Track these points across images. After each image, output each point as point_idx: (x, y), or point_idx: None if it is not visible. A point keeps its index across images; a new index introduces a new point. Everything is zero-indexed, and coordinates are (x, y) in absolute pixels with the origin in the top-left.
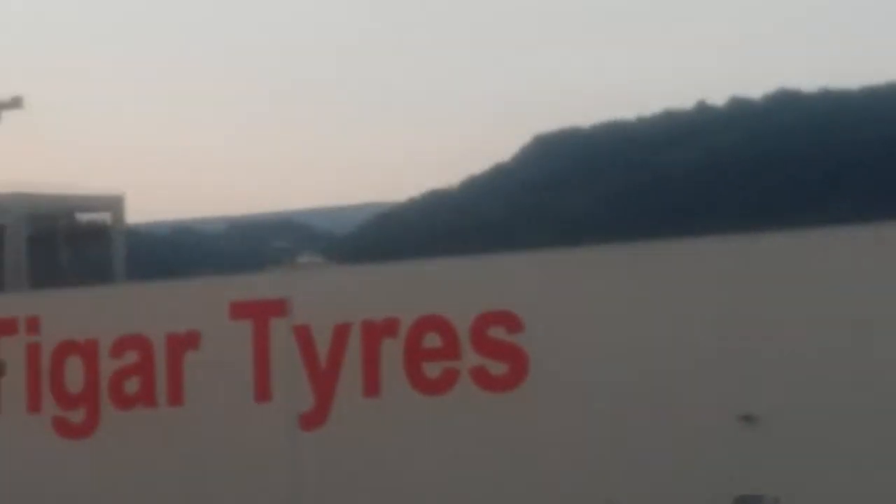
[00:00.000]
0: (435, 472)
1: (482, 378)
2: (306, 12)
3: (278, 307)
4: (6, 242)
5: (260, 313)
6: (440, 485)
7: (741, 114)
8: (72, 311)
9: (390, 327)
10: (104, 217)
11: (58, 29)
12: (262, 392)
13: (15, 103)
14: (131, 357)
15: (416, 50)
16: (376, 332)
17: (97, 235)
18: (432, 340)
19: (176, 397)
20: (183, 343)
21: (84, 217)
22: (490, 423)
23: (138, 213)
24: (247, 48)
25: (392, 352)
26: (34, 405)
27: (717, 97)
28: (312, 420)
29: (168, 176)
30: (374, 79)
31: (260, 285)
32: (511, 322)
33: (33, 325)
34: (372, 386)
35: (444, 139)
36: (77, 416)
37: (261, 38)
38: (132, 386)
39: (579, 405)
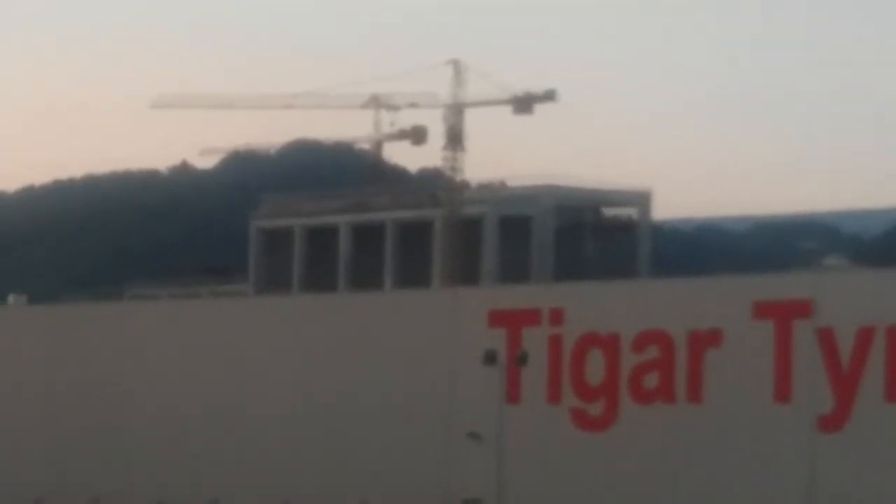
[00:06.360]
0: None
1: None
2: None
3: (803, 308)
4: (533, 233)
5: (783, 314)
6: None
7: None
8: (595, 305)
9: None
10: (631, 212)
11: (590, 23)
12: (782, 393)
13: (548, 96)
14: (652, 352)
15: None
16: None
17: (623, 230)
18: None
19: (695, 394)
20: (704, 340)
21: (610, 211)
22: None
23: (665, 209)
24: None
25: None
26: (554, 396)
27: None
28: (832, 423)
29: (696, 174)
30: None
31: (785, 286)
32: None
33: (557, 316)
34: (895, 391)
35: None
36: (596, 408)
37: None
38: (652, 381)
39: None
